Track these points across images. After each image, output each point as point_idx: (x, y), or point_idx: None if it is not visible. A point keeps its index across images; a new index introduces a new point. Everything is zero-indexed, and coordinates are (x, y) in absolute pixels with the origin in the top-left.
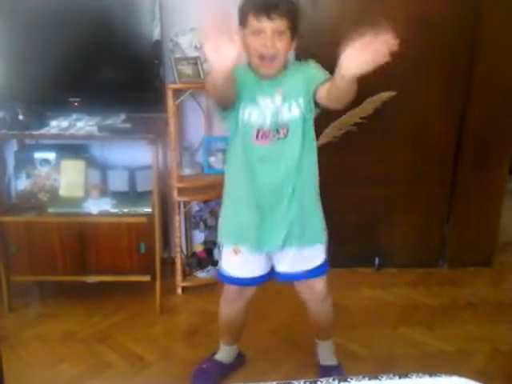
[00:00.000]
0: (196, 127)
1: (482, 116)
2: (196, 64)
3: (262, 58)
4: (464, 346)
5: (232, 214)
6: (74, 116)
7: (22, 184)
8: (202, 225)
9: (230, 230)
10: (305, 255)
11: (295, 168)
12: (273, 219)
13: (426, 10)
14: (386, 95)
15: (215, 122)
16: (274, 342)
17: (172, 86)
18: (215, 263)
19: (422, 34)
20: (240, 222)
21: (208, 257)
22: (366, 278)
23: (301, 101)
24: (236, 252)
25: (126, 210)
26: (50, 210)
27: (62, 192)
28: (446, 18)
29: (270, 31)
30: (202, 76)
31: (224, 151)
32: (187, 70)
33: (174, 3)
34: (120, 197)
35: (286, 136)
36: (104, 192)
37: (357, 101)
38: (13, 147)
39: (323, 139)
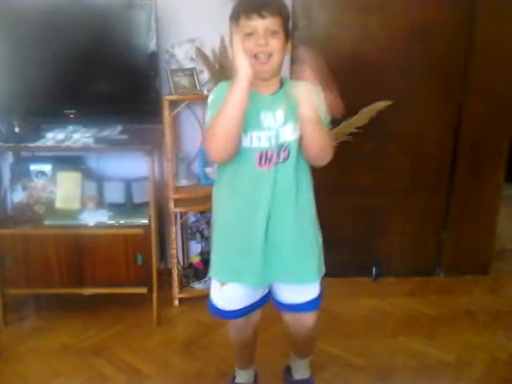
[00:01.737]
0: (192, 138)
1: (477, 124)
2: (192, 75)
3: (256, 57)
4: (463, 355)
5: (219, 249)
6: (70, 128)
7: (17, 196)
8: (198, 236)
9: (218, 265)
10: (298, 289)
11: (294, 195)
12: (265, 255)
13: (420, 21)
14: (381, 105)
15: None
16: (269, 354)
17: (168, 97)
18: None
19: (418, 44)
20: (227, 259)
21: (205, 268)
22: (363, 287)
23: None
24: (222, 285)
25: (122, 222)
26: (46, 223)
27: (59, 204)
28: (441, 28)
29: (263, 29)
30: (197, 87)
31: None
32: (183, 81)
33: (170, 15)
34: (116, 208)
35: (286, 159)
36: (100, 204)
37: (352, 110)
38: (8, 159)
39: None
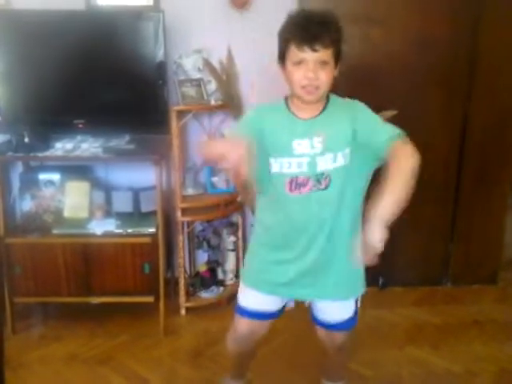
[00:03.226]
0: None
1: (482, 134)
2: (199, 86)
3: (304, 87)
4: (471, 365)
5: (253, 256)
6: (79, 138)
7: (26, 205)
8: (205, 244)
9: (249, 271)
10: (333, 307)
11: (332, 220)
12: (297, 270)
13: (425, 31)
14: (388, 114)
15: None
16: (276, 363)
17: (176, 107)
18: (219, 283)
19: (422, 54)
20: (260, 269)
21: (212, 277)
22: (371, 297)
23: (347, 151)
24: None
25: (130, 231)
26: (55, 231)
27: (67, 213)
28: (445, 38)
29: (313, 62)
30: (205, 97)
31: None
32: (191, 91)
33: (178, 26)
34: (124, 217)
35: (327, 187)
36: (108, 213)
37: None
38: (18, 169)
39: None
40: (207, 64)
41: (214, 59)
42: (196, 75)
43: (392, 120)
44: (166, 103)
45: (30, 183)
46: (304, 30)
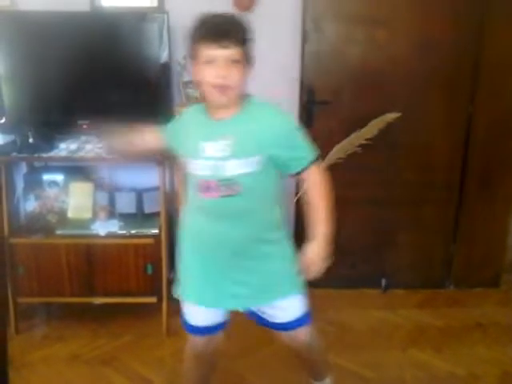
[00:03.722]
0: None
1: (485, 136)
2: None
3: (215, 87)
4: (474, 368)
5: (181, 264)
6: (83, 138)
7: (30, 206)
8: None
9: (180, 281)
10: (277, 309)
11: (249, 226)
12: (218, 279)
13: (429, 34)
14: (391, 116)
15: None
16: (279, 365)
17: (180, 108)
18: None
19: (426, 57)
20: (185, 276)
21: None
22: (373, 299)
23: (258, 158)
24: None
25: (133, 232)
26: (58, 232)
27: (70, 214)
28: (449, 41)
29: (223, 60)
30: None
31: None
32: (195, 92)
33: (182, 27)
34: (127, 218)
35: (238, 193)
36: (112, 214)
37: (361, 122)
38: (22, 169)
39: (328, 161)
40: None
41: None
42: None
43: (396, 121)
44: (170, 104)
45: (34, 184)
46: (214, 28)
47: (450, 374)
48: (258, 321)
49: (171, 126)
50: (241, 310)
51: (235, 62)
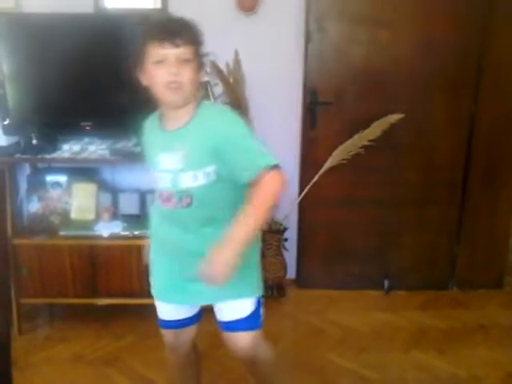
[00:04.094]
0: None
1: (488, 137)
2: (206, 88)
3: (167, 87)
4: (476, 370)
5: (151, 265)
6: (86, 140)
7: (33, 207)
8: None
9: (152, 281)
10: (226, 307)
11: (208, 234)
12: (175, 277)
13: (432, 35)
14: (394, 117)
15: None
16: (283, 366)
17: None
18: None
19: (429, 58)
20: (154, 276)
21: None
22: (376, 300)
23: (210, 169)
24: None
25: (136, 233)
26: (62, 233)
27: (74, 215)
28: (452, 42)
29: (174, 58)
30: (212, 100)
31: None
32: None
33: None
34: (130, 219)
35: (188, 205)
36: (115, 215)
37: (364, 123)
38: (25, 171)
39: (331, 162)
40: (214, 67)
41: (221, 62)
42: (203, 78)
43: (399, 122)
44: None
45: (37, 185)
46: (164, 27)
47: (452, 376)
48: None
49: (143, 145)
50: (202, 305)
51: (187, 60)
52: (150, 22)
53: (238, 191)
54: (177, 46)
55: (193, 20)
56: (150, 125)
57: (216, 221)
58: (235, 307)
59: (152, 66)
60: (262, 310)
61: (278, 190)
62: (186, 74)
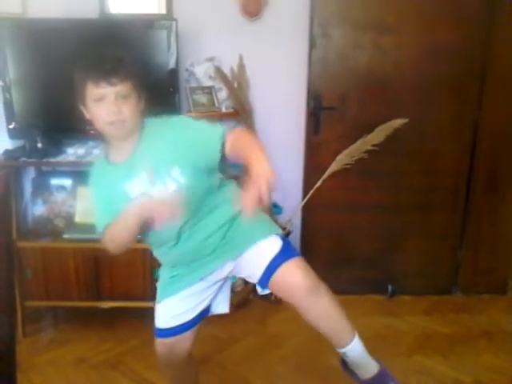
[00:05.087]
0: None
1: (492, 141)
2: (210, 93)
3: (111, 124)
4: (480, 376)
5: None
6: (91, 143)
7: (38, 210)
8: None
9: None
10: (250, 258)
11: (193, 218)
12: (195, 255)
13: (436, 41)
14: (398, 122)
15: None
16: (285, 370)
17: (187, 114)
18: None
19: (433, 63)
20: (161, 279)
21: None
22: (379, 305)
23: (177, 172)
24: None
25: (140, 236)
26: (66, 236)
27: (78, 218)
28: (456, 47)
29: (113, 97)
30: (216, 105)
31: (236, 177)
32: (202, 99)
33: (190, 34)
34: None
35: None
36: None
37: (368, 128)
38: (30, 174)
39: (335, 166)
40: (219, 72)
41: (225, 67)
42: (207, 83)
43: (402, 127)
44: (177, 110)
45: (42, 188)
46: (98, 65)
47: (455, 381)
48: (254, 286)
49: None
50: (218, 269)
51: (125, 96)
52: (86, 59)
53: (212, 182)
54: (113, 84)
55: (125, 51)
56: (99, 172)
57: (209, 207)
58: (264, 250)
59: (92, 103)
60: (291, 243)
61: (252, 136)
62: (127, 110)
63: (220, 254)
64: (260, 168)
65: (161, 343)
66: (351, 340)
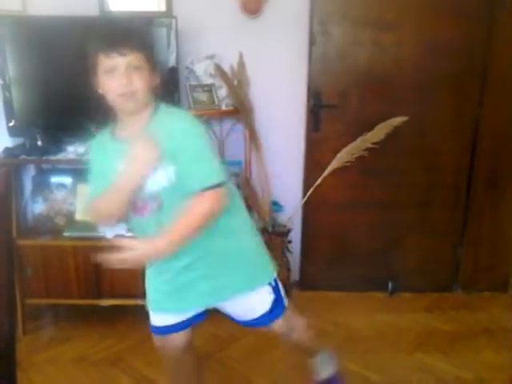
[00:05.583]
0: None
1: (493, 139)
2: (210, 91)
3: (121, 95)
4: (481, 373)
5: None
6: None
7: (38, 208)
8: None
9: (147, 294)
10: (239, 305)
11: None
12: (176, 284)
13: (437, 38)
14: (398, 120)
15: (228, 146)
16: (285, 368)
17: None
18: None
19: (434, 60)
20: (147, 287)
21: None
22: (380, 302)
23: (170, 170)
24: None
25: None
26: (66, 234)
27: (78, 216)
28: (457, 45)
29: (124, 67)
30: (216, 103)
31: (236, 175)
32: (202, 96)
33: (190, 32)
34: None
35: (160, 208)
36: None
37: (368, 126)
38: (30, 172)
39: (335, 164)
40: (219, 69)
41: (225, 65)
42: (207, 80)
43: (403, 125)
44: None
45: (42, 186)
46: (110, 36)
47: (456, 378)
48: (231, 319)
49: (94, 170)
50: (203, 308)
51: (137, 68)
52: (98, 31)
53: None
54: (124, 54)
55: (136, 25)
56: (99, 142)
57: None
58: (252, 305)
59: (103, 76)
60: (281, 290)
61: (210, 213)
62: (138, 82)
63: (204, 293)
64: (147, 248)
65: (156, 338)
66: (316, 355)
